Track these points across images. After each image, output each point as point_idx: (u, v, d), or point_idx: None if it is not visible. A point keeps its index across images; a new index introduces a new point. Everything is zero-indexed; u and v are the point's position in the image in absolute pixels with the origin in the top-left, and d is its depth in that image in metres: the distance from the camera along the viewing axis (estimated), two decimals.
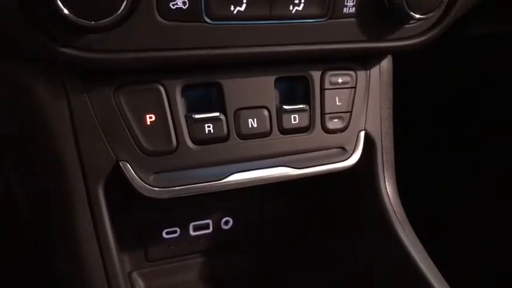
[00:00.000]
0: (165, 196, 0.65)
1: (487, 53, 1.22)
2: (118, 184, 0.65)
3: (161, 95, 0.64)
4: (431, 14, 0.67)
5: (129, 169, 0.63)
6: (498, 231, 1.27)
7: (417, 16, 0.66)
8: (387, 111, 0.80)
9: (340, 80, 0.73)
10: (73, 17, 0.50)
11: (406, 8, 0.64)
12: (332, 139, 0.74)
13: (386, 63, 0.79)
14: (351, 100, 0.75)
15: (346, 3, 0.64)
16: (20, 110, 0.65)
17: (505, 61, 1.19)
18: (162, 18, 0.57)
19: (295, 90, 0.72)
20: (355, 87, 0.75)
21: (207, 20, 0.59)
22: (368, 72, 0.76)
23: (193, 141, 0.66)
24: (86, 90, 0.61)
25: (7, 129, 0.69)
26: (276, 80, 0.70)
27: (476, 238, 1.30)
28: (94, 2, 0.50)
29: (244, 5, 0.59)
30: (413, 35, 0.71)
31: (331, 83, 0.73)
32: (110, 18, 0.52)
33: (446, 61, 1.23)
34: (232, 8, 0.59)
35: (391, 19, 0.68)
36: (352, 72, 0.74)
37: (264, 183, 0.70)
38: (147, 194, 0.64)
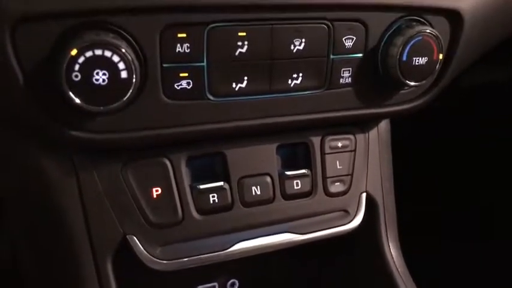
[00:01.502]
0: (171, 268, 0.66)
1: (485, 102, 1.24)
2: (126, 255, 0.66)
3: (167, 168, 0.66)
4: (425, 81, 0.69)
5: (136, 243, 0.65)
6: None
7: (411, 84, 0.68)
8: (387, 171, 0.82)
9: (339, 144, 0.75)
10: (83, 105, 0.53)
11: (401, 76, 0.66)
12: (334, 202, 0.76)
13: (384, 124, 0.81)
14: (351, 163, 0.77)
15: (342, 75, 0.67)
16: (29, 183, 0.67)
17: (504, 110, 1.21)
18: (167, 98, 0.59)
19: (297, 155, 0.74)
20: (354, 150, 0.77)
21: (210, 97, 0.61)
22: (366, 135, 0.78)
23: (199, 212, 0.68)
24: (94, 167, 0.63)
25: (16, 198, 0.71)
26: (277, 147, 0.72)
27: None
28: (103, 90, 0.52)
29: (245, 82, 0.62)
30: (409, 99, 0.73)
31: (331, 148, 0.75)
32: (117, 104, 0.54)
33: (444, 112, 1.25)
34: (234, 85, 0.61)
35: (386, 86, 0.70)
36: (351, 136, 0.76)
37: (270, 250, 0.71)
38: (154, 267, 0.65)
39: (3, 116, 0.61)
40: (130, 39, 0.54)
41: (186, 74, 0.59)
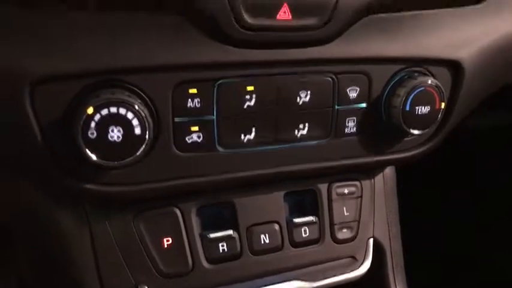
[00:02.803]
0: None
1: (487, 146, 1.25)
2: None
3: (177, 218, 0.67)
4: (428, 129, 0.71)
5: None
6: None
7: (415, 132, 0.69)
8: (394, 216, 0.83)
9: (346, 191, 0.77)
10: (98, 161, 0.54)
11: (404, 125, 0.68)
12: (342, 249, 0.76)
13: (389, 170, 0.83)
14: (358, 209, 0.78)
15: (347, 124, 0.68)
16: (42, 231, 0.68)
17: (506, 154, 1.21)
18: (178, 151, 0.61)
19: (304, 202, 0.75)
20: (361, 197, 0.78)
21: (220, 149, 0.63)
22: (372, 181, 0.80)
23: (208, 261, 0.68)
24: (106, 218, 0.65)
25: (28, 246, 0.72)
26: (285, 195, 0.73)
27: None
28: (117, 146, 0.54)
29: (253, 134, 0.64)
30: (412, 147, 0.74)
31: (337, 194, 0.76)
32: (131, 158, 0.56)
33: (447, 154, 1.26)
34: (242, 136, 0.63)
35: (390, 135, 0.72)
36: (357, 183, 0.78)
37: None
38: None
39: (20, 168, 0.63)
40: (144, 96, 0.57)
41: (197, 128, 0.61)
